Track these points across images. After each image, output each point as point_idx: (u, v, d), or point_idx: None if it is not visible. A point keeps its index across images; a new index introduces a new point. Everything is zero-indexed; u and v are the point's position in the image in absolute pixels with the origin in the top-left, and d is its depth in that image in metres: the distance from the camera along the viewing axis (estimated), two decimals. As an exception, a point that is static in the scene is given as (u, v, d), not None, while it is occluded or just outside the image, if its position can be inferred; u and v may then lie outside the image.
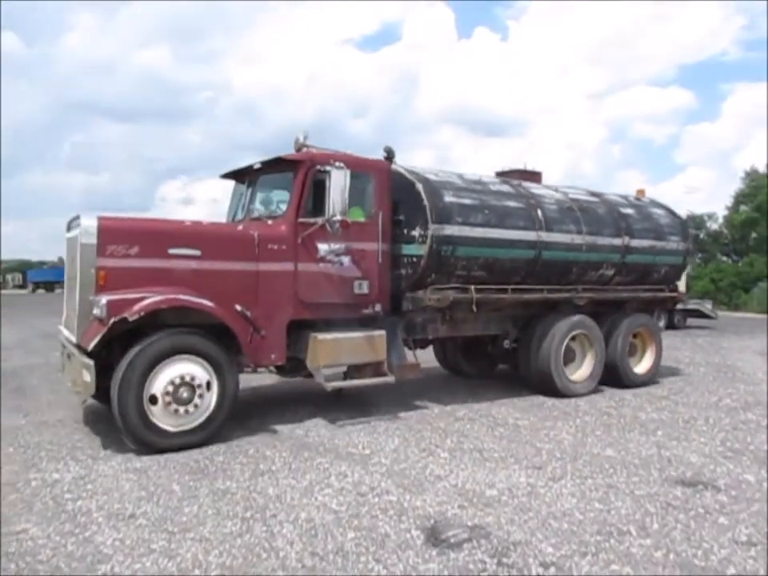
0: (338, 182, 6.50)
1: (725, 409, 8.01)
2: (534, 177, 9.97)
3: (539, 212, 8.52)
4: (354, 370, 7.24)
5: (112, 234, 5.99)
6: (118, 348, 5.92)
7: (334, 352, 6.79)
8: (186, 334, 5.98)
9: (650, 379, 9.98)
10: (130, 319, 5.61)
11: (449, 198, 7.68)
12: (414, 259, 7.57)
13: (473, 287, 7.83)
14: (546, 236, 8.45)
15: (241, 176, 7.91)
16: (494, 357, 9.88)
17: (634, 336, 9.83)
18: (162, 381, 5.79)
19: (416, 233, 7.54)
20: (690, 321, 21.58)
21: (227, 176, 8.29)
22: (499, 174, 10.44)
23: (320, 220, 6.64)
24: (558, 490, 4.90)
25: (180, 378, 5.86)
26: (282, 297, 6.68)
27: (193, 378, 5.93)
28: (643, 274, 10.00)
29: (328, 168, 6.72)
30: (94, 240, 5.92)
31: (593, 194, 10.03)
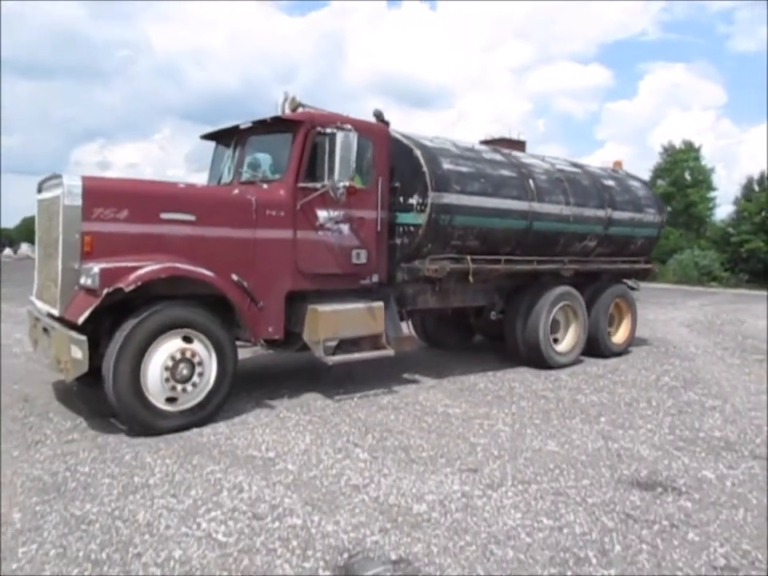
0: (346, 145, 6.10)
1: (665, 389, 7.68)
2: (519, 146, 9.81)
3: (531, 182, 8.37)
4: (349, 344, 6.92)
5: (98, 195, 5.44)
6: (107, 321, 5.42)
7: (335, 325, 6.46)
8: (185, 307, 5.53)
9: (625, 349, 10.11)
10: (126, 290, 5.12)
11: (447, 166, 7.41)
12: (411, 228, 7.29)
13: (469, 257, 7.62)
14: (537, 206, 8.32)
15: (225, 137, 7.38)
16: (477, 328, 9.76)
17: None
18: (160, 357, 5.35)
19: (414, 201, 7.24)
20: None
21: (208, 137, 7.75)
22: (484, 143, 10.21)
23: (325, 184, 6.24)
24: (498, 500, 4.15)
25: (180, 354, 5.42)
26: (281, 266, 6.29)
27: (193, 354, 5.50)
28: (622, 245, 10.05)
29: (330, 130, 6.31)
30: (78, 202, 5.35)
31: (575, 164, 9.97)
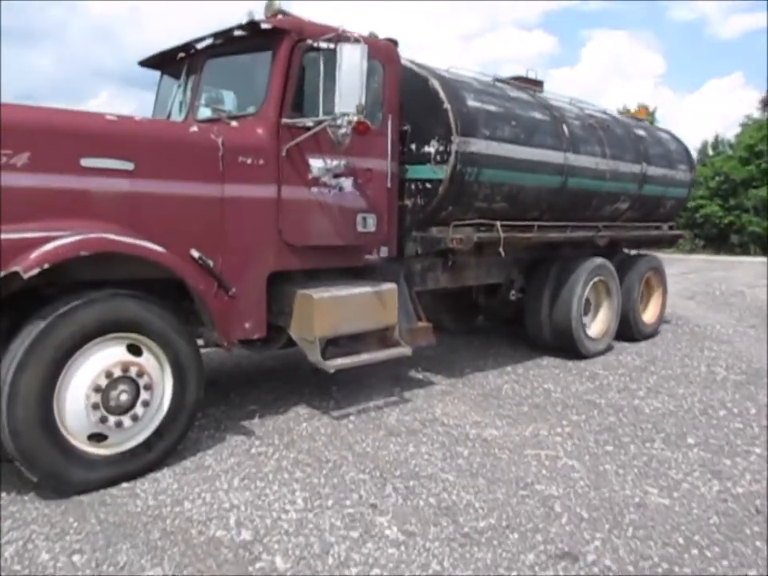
0: (353, 63, 4.24)
1: (729, 385, 6.23)
2: (536, 89, 8.03)
3: (565, 128, 6.68)
4: (350, 339, 5.19)
5: (-18, 129, 3.51)
6: (4, 321, 3.59)
7: (336, 317, 4.72)
8: (122, 299, 3.70)
9: (654, 330, 8.68)
10: (25, 276, 3.27)
11: (472, 103, 5.64)
12: (427, 185, 5.54)
13: (498, 224, 5.93)
14: (573, 159, 6.66)
15: (173, 63, 5.42)
16: (486, 310, 8.14)
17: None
18: (87, 374, 3.55)
19: (431, 149, 5.48)
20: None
21: (149, 63, 5.77)
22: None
23: (322, 119, 4.41)
24: None
25: (121, 371, 3.64)
26: (260, 237, 4.49)
27: (140, 373, 3.71)
28: (652, 208, 8.52)
29: (327, 44, 4.46)
30: (-51, 139, 3.43)
31: (602, 111, 8.29)
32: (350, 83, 4.25)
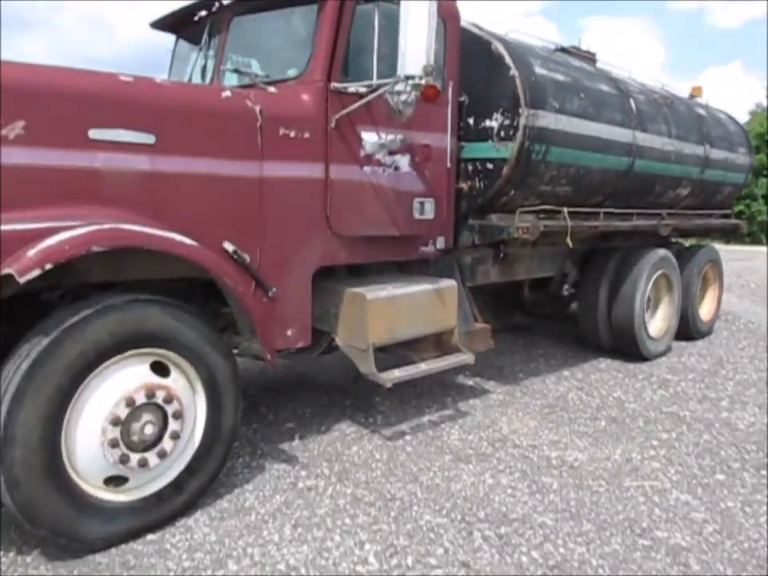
0: (420, 15, 3.43)
1: None
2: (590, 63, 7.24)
3: (632, 103, 5.90)
4: (400, 346, 4.43)
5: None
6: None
7: (393, 320, 3.97)
8: (144, 306, 2.93)
9: (710, 328, 7.94)
10: (22, 280, 2.51)
11: (540, 70, 4.87)
12: (488, 166, 4.76)
13: (566, 210, 5.17)
14: (641, 138, 5.89)
15: (191, 23, 4.63)
16: (531, 305, 7.38)
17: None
18: (98, 407, 2.79)
19: (493, 123, 4.71)
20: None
21: (162, 25, 4.98)
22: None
23: (382, 83, 3.62)
24: None
25: (146, 396, 2.88)
26: (304, 226, 3.73)
27: (168, 398, 2.96)
28: (711, 195, 7.75)
29: (382, -5, 3.67)
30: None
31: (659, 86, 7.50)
32: (415, 39, 3.45)
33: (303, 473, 3.71)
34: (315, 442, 4.18)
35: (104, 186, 3.01)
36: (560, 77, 5.05)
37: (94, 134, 2.98)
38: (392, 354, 4.47)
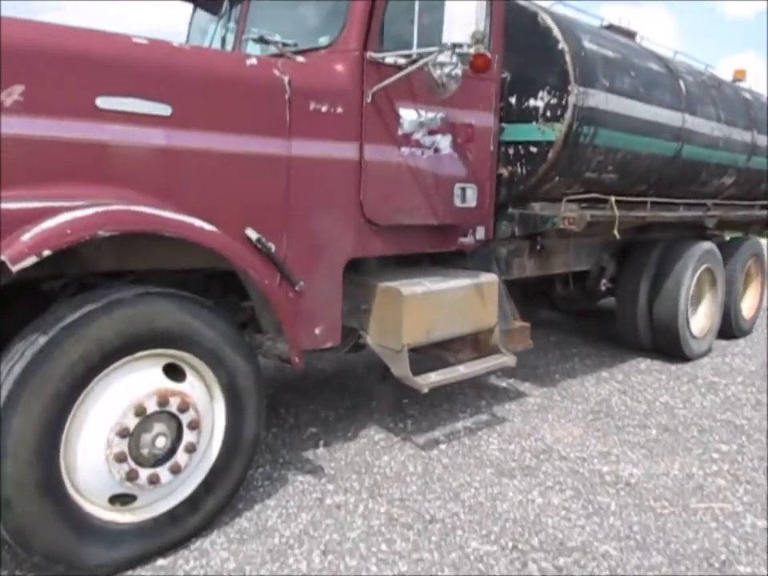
0: None
1: None
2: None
3: (681, 83, 5.46)
4: (434, 347, 4.03)
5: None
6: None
7: (431, 318, 3.58)
8: (156, 300, 2.56)
9: (752, 326, 7.51)
10: (14, 268, 2.13)
11: (589, 45, 4.45)
12: (531, 149, 4.35)
13: (613, 199, 4.76)
14: (690, 122, 5.46)
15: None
16: (563, 300, 6.97)
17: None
18: (103, 417, 2.42)
19: (538, 103, 4.29)
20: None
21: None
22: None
23: (425, 52, 3.21)
24: None
25: (158, 404, 2.51)
26: (336, 213, 3.34)
27: (183, 406, 2.59)
28: (755, 184, 7.28)
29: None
30: None
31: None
32: (463, 3, 3.04)
33: (330, 486, 3.34)
34: (342, 449, 3.81)
35: (112, 162, 2.63)
36: (609, 53, 4.63)
37: (102, 102, 2.60)
38: (424, 354, 4.08)
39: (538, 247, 5.09)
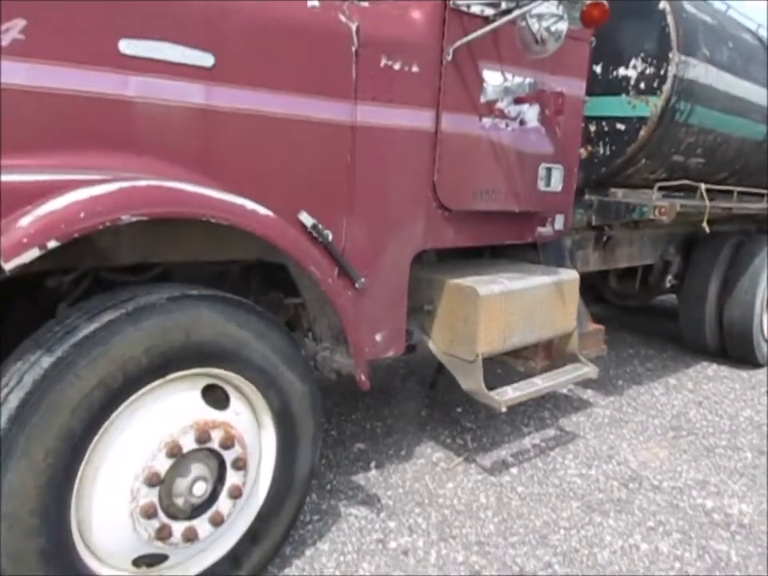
0: None
1: None
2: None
3: (774, 57, 4.81)
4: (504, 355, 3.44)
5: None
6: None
7: (509, 323, 3.00)
8: (193, 305, 1.97)
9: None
10: (7, 266, 1.54)
11: (689, 7, 3.81)
12: (618, 126, 3.74)
13: (703, 187, 4.15)
14: (781, 101, 4.80)
15: None
16: (617, 296, 6.40)
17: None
18: (126, 460, 1.85)
19: (630, 72, 3.68)
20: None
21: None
22: None
23: (526, 0, 2.59)
24: None
25: (197, 439, 1.94)
26: (405, 195, 2.74)
27: (227, 441, 2.01)
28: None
29: None
30: None
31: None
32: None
33: (392, 524, 2.78)
34: (397, 472, 3.25)
35: (138, 123, 2.04)
36: (708, 18, 4.00)
37: (126, 46, 2.00)
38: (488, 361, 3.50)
39: (605, 238, 4.50)
